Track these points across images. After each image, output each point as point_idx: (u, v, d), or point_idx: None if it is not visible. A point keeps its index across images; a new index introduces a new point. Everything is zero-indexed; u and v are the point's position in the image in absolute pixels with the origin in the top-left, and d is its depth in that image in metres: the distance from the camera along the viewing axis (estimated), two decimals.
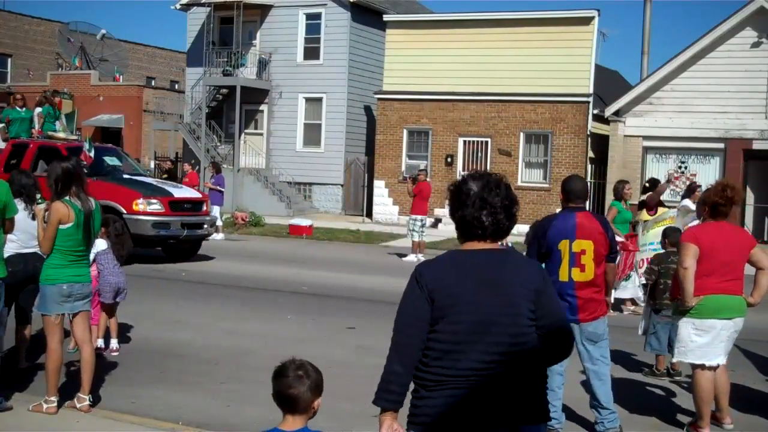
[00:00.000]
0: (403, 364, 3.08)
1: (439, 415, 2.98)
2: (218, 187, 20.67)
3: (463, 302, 3.02)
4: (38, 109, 17.03)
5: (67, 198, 5.91)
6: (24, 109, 16.90)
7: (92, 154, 15.20)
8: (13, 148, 15.88)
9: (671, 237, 8.01)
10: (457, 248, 3.21)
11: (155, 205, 14.76)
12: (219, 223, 20.35)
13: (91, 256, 7.77)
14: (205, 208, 16.08)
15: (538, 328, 3.07)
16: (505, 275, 3.07)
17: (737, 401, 6.62)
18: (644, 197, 12.39)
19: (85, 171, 14.93)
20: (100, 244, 7.90)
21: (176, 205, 15.15)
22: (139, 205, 14.59)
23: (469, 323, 3.00)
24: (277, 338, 9.13)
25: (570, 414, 6.31)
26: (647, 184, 13.05)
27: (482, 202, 3.09)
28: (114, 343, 8.05)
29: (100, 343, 7.90)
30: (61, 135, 16.63)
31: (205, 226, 15.88)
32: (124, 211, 14.48)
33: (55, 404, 5.94)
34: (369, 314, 10.91)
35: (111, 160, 16.45)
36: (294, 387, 3.11)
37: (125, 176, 15.92)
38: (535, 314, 3.06)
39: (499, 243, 3.22)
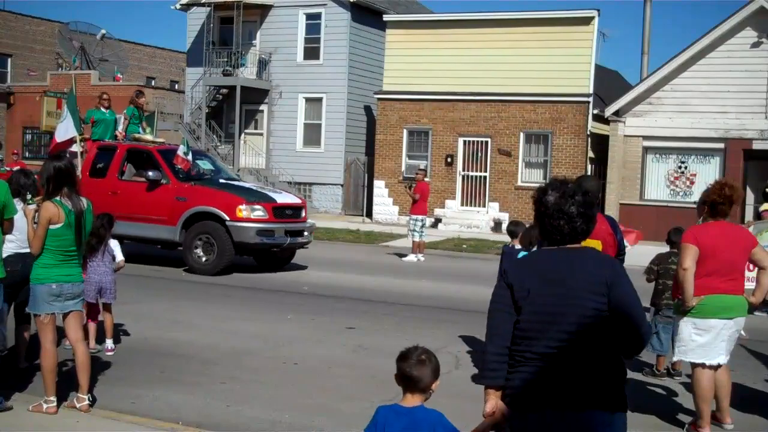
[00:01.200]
0: (495, 346, 3.43)
1: (519, 388, 3.37)
2: None
3: (532, 296, 3.38)
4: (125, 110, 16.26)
5: (57, 198, 5.91)
6: (109, 110, 15.91)
7: (190, 157, 14.41)
8: (99, 152, 15.08)
9: (673, 236, 8.00)
10: (539, 249, 3.66)
11: (259, 212, 13.97)
12: None
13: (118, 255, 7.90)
14: (304, 214, 15.17)
15: (612, 320, 3.32)
16: (572, 271, 3.38)
17: (737, 401, 6.62)
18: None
19: (181, 175, 14.29)
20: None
21: (279, 212, 14.36)
22: (243, 211, 13.83)
23: (538, 314, 3.35)
24: (277, 338, 9.13)
25: None
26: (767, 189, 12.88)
27: (560, 212, 3.43)
28: (109, 343, 7.99)
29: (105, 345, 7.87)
30: (149, 137, 15.89)
31: (305, 233, 14.92)
32: (227, 218, 13.77)
33: (55, 404, 5.94)
34: (369, 314, 10.91)
35: (203, 164, 15.65)
36: (417, 369, 3.50)
37: (222, 180, 15.14)
38: (608, 306, 3.31)
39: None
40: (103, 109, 15.85)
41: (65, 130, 14.41)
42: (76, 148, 14.88)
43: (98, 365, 7.49)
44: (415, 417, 3.47)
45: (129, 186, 14.61)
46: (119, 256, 8.28)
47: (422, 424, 3.46)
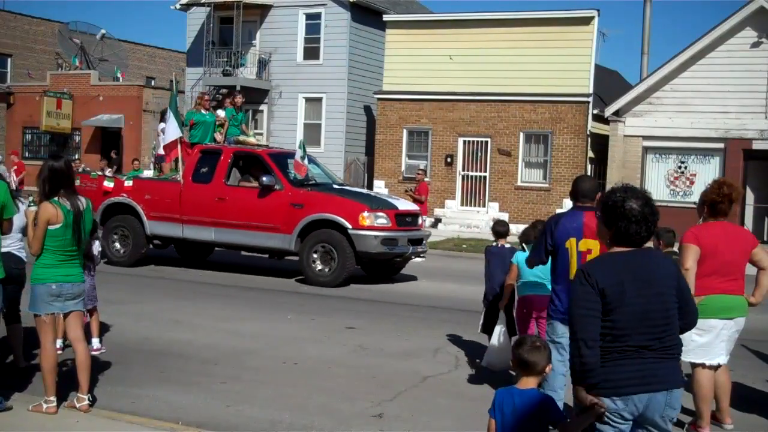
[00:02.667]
0: (594, 350, 3.70)
1: (623, 378, 3.72)
2: None
3: (628, 296, 3.71)
4: (220, 112, 15.68)
5: (55, 199, 5.91)
6: (208, 112, 15.22)
7: (306, 162, 13.79)
8: (202, 156, 14.30)
9: (664, 237, 7.98)
10: (611, 252, 3.90)
11: (382, 219, 13.16)
12: None
13: None
14: (421, 221, 14.49)
15: (679, 310, 3.85)
16: (656, 271, 3.82)
17: (737, 401, 6.62)
18: None
19: (295, 180, 13.50)
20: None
21: (401, 219, 13.56)
22: (366, 219, 12.99)
23: (634, 312, 3.71)
24: (277, 338, 9.13)
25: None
26: None
27: (644, 219, 3.81)
28: (95, 342, 7.92)
29: (96, 344, 7.80)
30: (252, 140, 15.33)
31: (424, 242, 14.05)
32: (349, 226, 12.94)
33: (55, 404, 5.94)
34: (369, 314, 10.91)
35: (312, 168, 14.77)
36: (533, 354, 3.85)
37: (336, 186, 14.53)
38: (678, 299, 3.83)
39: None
40: (202, 111, 15.21)
41: (170, 131, 14.05)
42: (160, 150, 14.70)
43: (98, 365, 7.50)
44: (528, 398, 3.81)
45: (238, 192, 13.87)
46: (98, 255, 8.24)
47: (534, 403, 3.79)
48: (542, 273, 6.85)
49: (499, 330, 7.43)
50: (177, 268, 14.66)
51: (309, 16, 28.63)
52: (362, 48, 28.63)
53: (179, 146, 14.00)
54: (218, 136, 15.17)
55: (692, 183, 22.94)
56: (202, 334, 9.15)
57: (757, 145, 22.18)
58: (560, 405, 5.89)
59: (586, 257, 5.73)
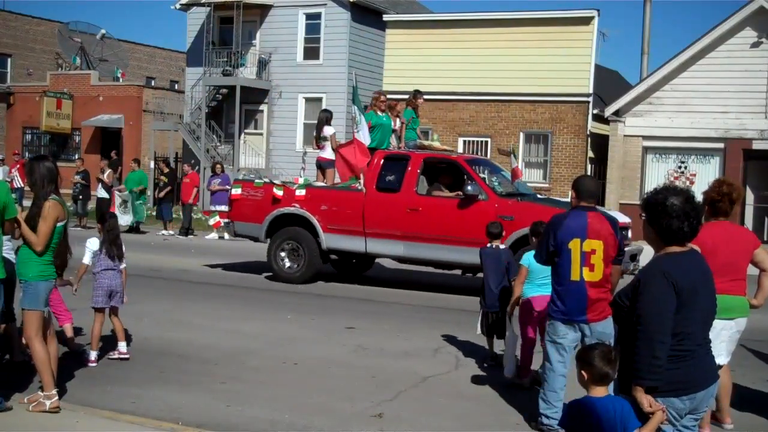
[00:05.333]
0: (665, 351, 3.80)
1: (687, 381, 3.87)
2: (226, 187, 20.68)
3: (700, 294, 3.90)
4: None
5: (56, 197, 6.00)
6: (384, 113, 14.01)
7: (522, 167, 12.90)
8: (386, 162, 12.90)
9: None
10: (666, 252, 3.99)
11: None
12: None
13: (87, 258, 7.70)
14: (630, 235, 12.71)
15: None
16: (708, 271, 4.05)
17: (737, 401, 6.62)
18: None
19: (500, 190, 12.17)
20: (93, 244, 7.71)
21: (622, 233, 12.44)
22: None
23: (703, 311, 3.93)
24: (277, 338, 9.13)
25: None
26: None
27: (685, 215, 3.91)
28: (123, 347, 7.82)
29: (93, 356, 7.57)
30: (437, 145, 14.30)
31: (638, 257, 12.41)
32: None
33: (56, 398, 5.94)
34: (369, 314, 10.91)
35: (497, 177, 13.65)
36: (611, 366, 3.88)
37: (541, 196, 13.56)
38: None
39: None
40: (379, 113, 13.95)
41: (363, 135, 13.15)
42: (328, 154, 13.66)
43: (99, 366, 7.50)
44: (612, 404, 3.85)
45: (432, 202, 12.47)
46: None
47: (617, 408, 3.81)
48: (548, 273, 6.84)
49: (513, 340, 7.38)
50: (176, 269, 14.66)
51: (309, 16, 28.64)
52: (362, 48, 28.62)
53: (356, 150, 12.98)
54: (393, 140, 14.02)
55: (692, 183, 22.91)
56: (202, 334, 9.15)
57: (757, 145, 22.18)
58: (560, 405, 5.89)
59: (590, 258, 5.73)
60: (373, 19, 28.38)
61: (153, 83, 40.20)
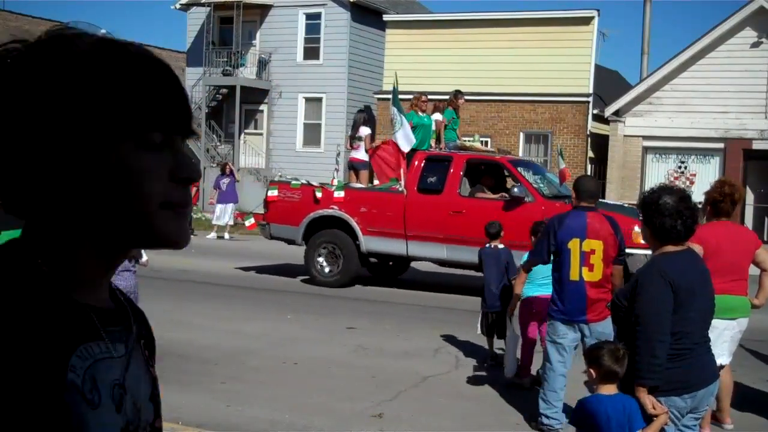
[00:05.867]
0: (664, 351, 3.81)
1: (687, 380, 3.90)
2: (234, 177, 20.84)
3: (698, 293, 3.93)
4: (437, 115, 14.23)
5: None
6: (425, 114, 13.81)
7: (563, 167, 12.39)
8: (427, 163, 12.68)
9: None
10: (663, 252, 4.00)
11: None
12: (228, 222, 20.38)
13: None
14: None
15: None
16: (707, 271, 4.07)
17: (737, 401, 6.62)
18: None
19: (545, 192, 11.78)
20: None
21: None
22: (639, 235, 11.25)
23: (702, 310, 3.96)
24: (277, 338, 9.13)
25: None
26: None
27: (678, 213, 3.92)
28: None
29: None
30: (479, 146, 14.03)
31: None
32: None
33: None
34: (369, 314, 10.91)
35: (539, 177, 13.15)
36: (620, 365, 3.91)
37: (613, 203, 13.10)
38: None
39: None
40: (420, 113, 13.71)
41: (405, 136, 12.70)
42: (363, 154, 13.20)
43: None
44: (620, 402, 3.90)
45: (476, 204, 12.13)
46: (145, 256, 7.91)
47: (626, 406, 3.87)
48: (549, 273, 6.84)
49: (514, 340, 7.38)
50: (177, 269, 14.65)
51: (309, 16, 28.63)
52: (362, 48, 28.62)
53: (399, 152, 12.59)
54: (432, 141, 13.70)
55: (692, 183, 22.90)
56: (202, 335, 9.15)
57: (757, 145, 22.18)
58: (560, 406, 5.90)
59: (589, 258, 5.74)
60: (373, 19, 28.38)
61: None
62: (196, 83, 30.15)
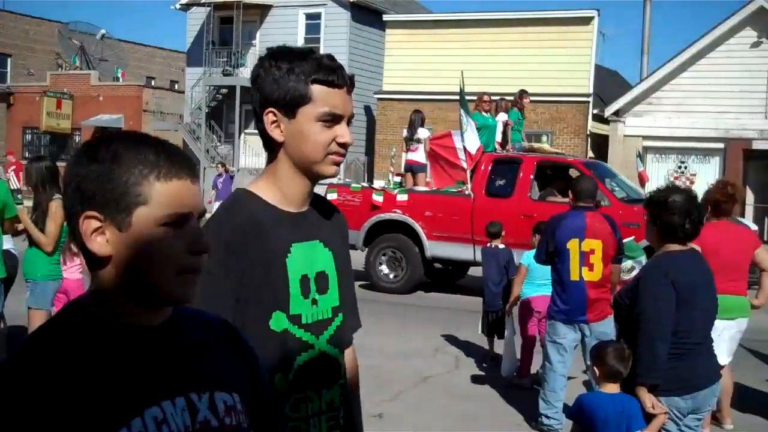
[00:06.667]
0: (665, 350, 3.81)
1: (689, 379, 3.90)
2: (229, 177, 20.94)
3: (700, 293, 3.94)
4: (502, 115, 13.90)
5: (59, 196, 6.03)
6: (489, 114, 13.46)
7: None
8: (495, 165, 12.27)
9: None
10: (666, 251, 4.00)
11: None
12: None
13: None
14: None
15: None
16: (710, 271, 4.09)
17: (737, 401, 6.62)
18: None
19: (621, 196, 11.38)
20: None
21: None
22: None
23: (702, 309, 3.96)
24: None
25: None
26: None
27: (686, 212, 3.93)
28: None
29: None
30: (547, 147, 13.55)
31: None
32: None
33: None
34: (368, 314, 10.87)
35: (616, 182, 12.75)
36: (624, 365, 3.94)
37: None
38: None
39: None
40: (484, 113, 13.35)
41: (472, 138, 12.33)
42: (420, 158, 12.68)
43: None
44: (621, 401, 3.92)
45: (549, 208, 11.27)
46: None
47: (626, 407, 3.88)
48: (548, 273, 6.85)
49: (512, 339, 7.40)
50: None
51: (309, 16, 28.64)
52: (362, 48, 28.63)
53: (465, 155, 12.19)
54: (498, 143, 13.34)
55: (692, 183, 22.89)
56: None
57: (757, 145, 22.17)
58: (560, 406, 5.89)
59: (589, 258, 5.74)
60: (373, 19, 28.39)
61: (153, 83, 40.19)
62: (196, 83, 30.16)
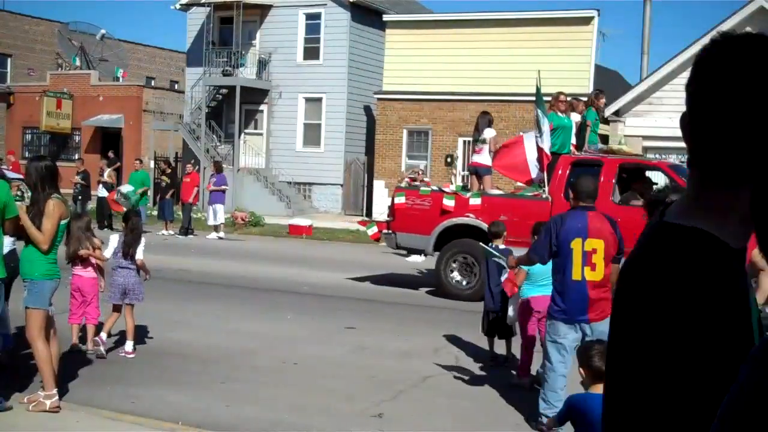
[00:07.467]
0: None
1: None
2: (221, 187, 20.75)
3: None
4: (575, 115, 13.47)
5: (59, 195, 6.02)
6: (565, 114, 12.93)
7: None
8: (573, 168, 11.61)
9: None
10: None
11: None
12: (220, 222, 20.49)
13: (108, 253, 7.85)
14: None
15: None
16: None
17: None
18: None
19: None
20: (114, 241, 7.86)
21: None
22: None
23: None
24: (277, 338, 9.13)
25: None
26: None
27: None
28: (129, 345, 7.93)
29: (105, 337, 7.87)
30: (627, 149, 13.34)
31: None
32: None
33: (57, 397, 5.94)
34: (369, 314, 10.91)
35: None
36: (604, 364, 3.76)
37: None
38: None
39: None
40: (559, 113, 12.77)
41: (545, 139, 11.83)
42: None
43: (99, 366, 7.50)
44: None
45: (633, 213, 10.17)
46: (140, 255, 7.94)
47: None
48: (549, 273, 6.86)
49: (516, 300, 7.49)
50: (177, 269, 14.65)
51: (309, 16, 28.63)
52: (362, 48, 28.62)
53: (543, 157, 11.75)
54: (573, 145, 12.84)
55: None
56: (202, 334, 9.15)
57: None
58: (560, 405, 5.89)
59: (591, 257, 5.76)
60: (373, 19, 28.38)
61: (153, 83, 40.19)
62: (196, 83, 30.15)
